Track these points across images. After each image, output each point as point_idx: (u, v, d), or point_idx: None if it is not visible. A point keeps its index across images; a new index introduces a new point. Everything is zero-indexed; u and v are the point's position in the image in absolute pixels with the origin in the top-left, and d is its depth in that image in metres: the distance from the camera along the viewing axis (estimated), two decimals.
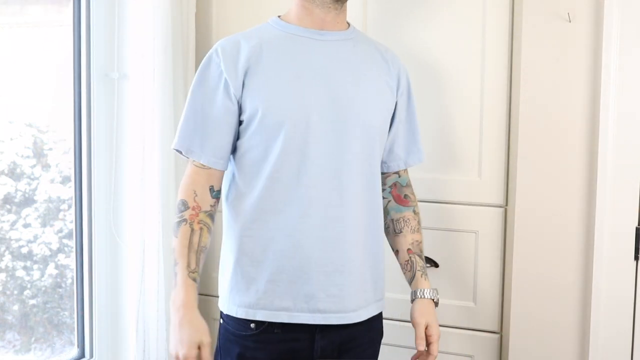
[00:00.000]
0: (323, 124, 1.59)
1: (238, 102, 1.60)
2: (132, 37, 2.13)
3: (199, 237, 1.59)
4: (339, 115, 1.61)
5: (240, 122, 1.62)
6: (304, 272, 1.61)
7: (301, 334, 1.63)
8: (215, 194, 1.63)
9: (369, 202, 1.67)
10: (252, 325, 1.62)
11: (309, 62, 1.62)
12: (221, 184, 1.65)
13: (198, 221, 1.59)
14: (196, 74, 1.64)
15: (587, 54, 1.88)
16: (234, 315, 1.63)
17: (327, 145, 1.60)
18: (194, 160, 1.62)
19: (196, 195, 1.60)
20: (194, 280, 1.57)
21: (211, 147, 1.60)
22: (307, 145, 1.59)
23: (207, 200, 1.61)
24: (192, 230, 1.59)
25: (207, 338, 1.54)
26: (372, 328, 1.73)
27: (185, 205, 1.60)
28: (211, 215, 1.62)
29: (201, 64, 1.64)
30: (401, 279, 2.12)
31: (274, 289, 1.61)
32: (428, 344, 1.66)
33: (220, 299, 1.69)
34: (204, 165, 1.61)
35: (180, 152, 1.64)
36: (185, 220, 1.59)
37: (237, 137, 1.64)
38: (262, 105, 1.58)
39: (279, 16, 1.69)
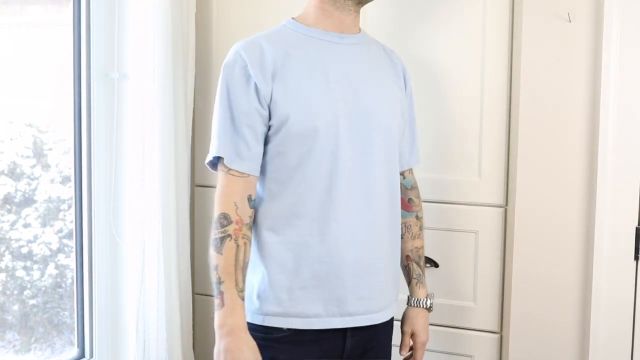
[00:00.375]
0: (350, 128, 1.59)
1: (268, 107, 1.56)
2: (132, 37, 2.13)
3: (244, 253, 1.53)
4: (363, 119, 1.61)
5: (267, 127, 1.58)
6: (336, 276, 1.60)
7: (333, 334, 1.62)
8: (253, 204, 1.58)
9: (391, 203, 1.68)
10: (285, 327, 1.59)
11: (333, 67, 1.61)
12: (256, 192, 1.60)
13: (242, 236, 1.53)
14: (221, 79, 1.59)
15: (587, 54, 1.88)
16: (260, 323, 1.60)
17: (354, 150, 1.59)
18: (230, 170, 1.55)
19: (237, 208, 1.54)
20: (242, 299, 1.53)
21: (250, 153, 1.56)
22: (337, 150, 1.57)
23: (246, 212, 1.55)
24: (238, 246, 1.52)
25: None
26: (389, 328, 1.75)
27: (227, 219, 1.53)
28: (251, 228, 1.58)
29: (225, 69, 1.58)
30: (400, 277, 2.12)
31: (306, 295, 1.59)
32: (414, 351, 1.77)
33: None
34: (242, 174, 1.55)
35: (211, 164, 1.59)
36: (229, 235, 1.52)
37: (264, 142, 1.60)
38: (294, 112, 1.55)
39: (293, 18, 1.67)
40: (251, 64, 1.55)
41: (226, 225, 1.53)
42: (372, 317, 1.65)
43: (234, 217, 1.53)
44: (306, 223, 1.57)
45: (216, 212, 1.55)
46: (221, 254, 1.52)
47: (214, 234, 1.54)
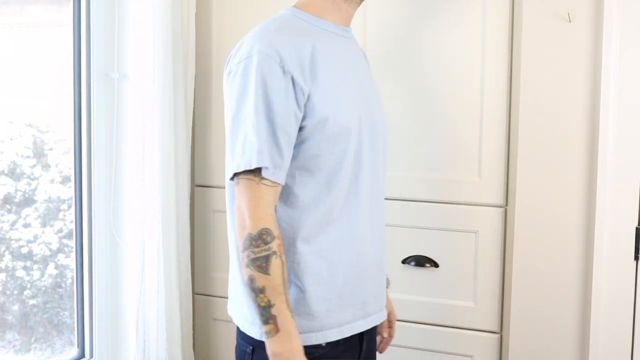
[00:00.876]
0: (367, 127, 1.52)
1: (303, 107, 1.42)
2: (132, 37, 2.13)
3: (286, 271, 1.40)
4: (372, 117, 1.56)
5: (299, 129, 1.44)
6: (362, 279, 1.54)
7: (353, 338, 1.56)
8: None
9: (384, 201, 1.66)
10: (324, 344, 1.48)
11: (346, 62, 1.54)
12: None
13: (284, 251, 1.40)
14: (253, 78, 1.39)
15: (587, 54, 1.88)
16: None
17: (370, 150, 1.53)
18: (262, 179, 1.38)
19: (275, 221, 1.39)
20: (294, 320, 1.40)
21: (283, 161, 1.41)
22: (361, 150, 1.50)
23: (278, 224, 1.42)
24: (282, 263, 1.38)
25: None
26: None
27: (270, 235, 1.37)
28: None
29: (259, 66, 1.39)
30: (400, 277, 2.12)
31: (340, 304, 1.50)
32: (391, 329, 1.78)
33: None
34: (275, 183, 1.40)
35: (236, 175, 1.40)
36: (275, 252, 1.37)
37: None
38: (332, 112, 1.43)
39: (295, 7, 1.53)
40: (288, 60, 1.40)
41: (270, 242, 1.37)
42: (382, 314, 1.63)
43: (275, 232, 1.38)
44: (336, 228, 1.48)
45: (253, 228, 1.37)
46: (268, 274, 1.36)
47: (254, 252, 1.37)
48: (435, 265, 2.08)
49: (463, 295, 2.06)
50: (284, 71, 1.39)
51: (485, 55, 1.99)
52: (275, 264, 1.37)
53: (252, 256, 1.37)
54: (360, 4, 1.57)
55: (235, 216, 1.41)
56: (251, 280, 1.37)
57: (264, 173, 1.38)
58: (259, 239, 1.37)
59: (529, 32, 1.93)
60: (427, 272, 2.08)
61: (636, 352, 1.90)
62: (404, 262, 2.09)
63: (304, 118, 1.43)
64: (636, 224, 1.87)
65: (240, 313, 1.53)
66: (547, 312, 1.97)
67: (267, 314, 1.37)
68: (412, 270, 2.09)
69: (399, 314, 1.97)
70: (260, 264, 1.36)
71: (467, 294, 2.06)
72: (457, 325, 2.07)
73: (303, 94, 1.41)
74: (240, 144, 1.40)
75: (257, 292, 1.37)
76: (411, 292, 2.10)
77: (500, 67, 1.98)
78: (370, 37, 2.09)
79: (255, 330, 1.48)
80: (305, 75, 1.41)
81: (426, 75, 2.06)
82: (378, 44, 2.10)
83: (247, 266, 1.37)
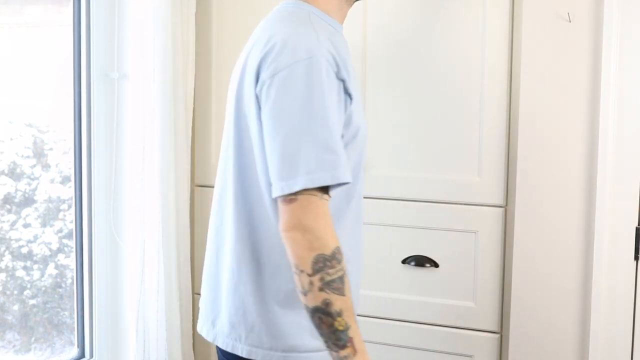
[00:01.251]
0: None
1: (344, 116, 1.34)
2: (132, 37, 2.13)
3: None
4: None
5: None
6: (359, 284, 1.51)
7: None
8: None
9: None
10: None
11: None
12: None
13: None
14: (318, 84, 1.28)
15: (587, 54, 1.88)
16: None
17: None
18: (325, 194, 1.28)
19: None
20: None
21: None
22: (363, 158, 1.46)
23: None
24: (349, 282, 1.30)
25: None
26: None
27: (341, 254, 1.28)
28: None
29: (322, 70, 1.28)
30: (399, 277, 2.12)
31: None
32: None
33: (281, 347, 1.39)
34: (330, 198, 1.30)
35: (291, 192, 1.27)
36: (345, 272, 1.28)
37: None
38: (361, 120, 1.38)
39: (307, 2, 1.43)
40: (340, 65, 1.32)
41: (342, 261, 1.28)
42: None
43: (342, 250, 1.29)
44: (348, 236, 1.43)
45: (325, 248, 1.26)
46: (344, 295, 1.27)
47: (330, 274, 1.26)
48: (435, 265, 2.08)
49: (463, 295, 2.06)
50: (337, 77, 1.31)
51: (485, 55, 1.99)
52: (347, 282, 1.28)
53: (328, 278, 1.26)
54: (352, 4, 1.52)
55: (293, 237, 1.27)
56: (327, 304, 1.26)
57: (331, 190, 1.29)
58: (334, 259, 1.26)
59: (529, 32, 1.93)
60: (427, 272, 2.08)
61: (636, 352, 1.90)
62: (404, 262, 2.09)
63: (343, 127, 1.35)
64: (636, 224, 1.87)
65: (251, 336, 1.42)
66: (547, 312, 1.97)
67: (345, 337, 1.28)
68: (412, 270, 2.09)
69: (399, 314, 1.98)
70: (337, 285, 1.27)
71: (467, 294, 2.06)
72: (457, 325, 2.07)
73: (350, 102, 1.33)
74: (307, 155, 1.27)
75: (334, 316, 1.27)
76: (411, 292, 2.10)
77: (500, 67, 1.98)
78: (370, 37, 2.10)
79: (275, 354, 1.39)
80: (351, 81, 1.34)
81: (426, 75, 2.06)
82: (378, 44, 2.10)
83: (321, 290, 1.26)
